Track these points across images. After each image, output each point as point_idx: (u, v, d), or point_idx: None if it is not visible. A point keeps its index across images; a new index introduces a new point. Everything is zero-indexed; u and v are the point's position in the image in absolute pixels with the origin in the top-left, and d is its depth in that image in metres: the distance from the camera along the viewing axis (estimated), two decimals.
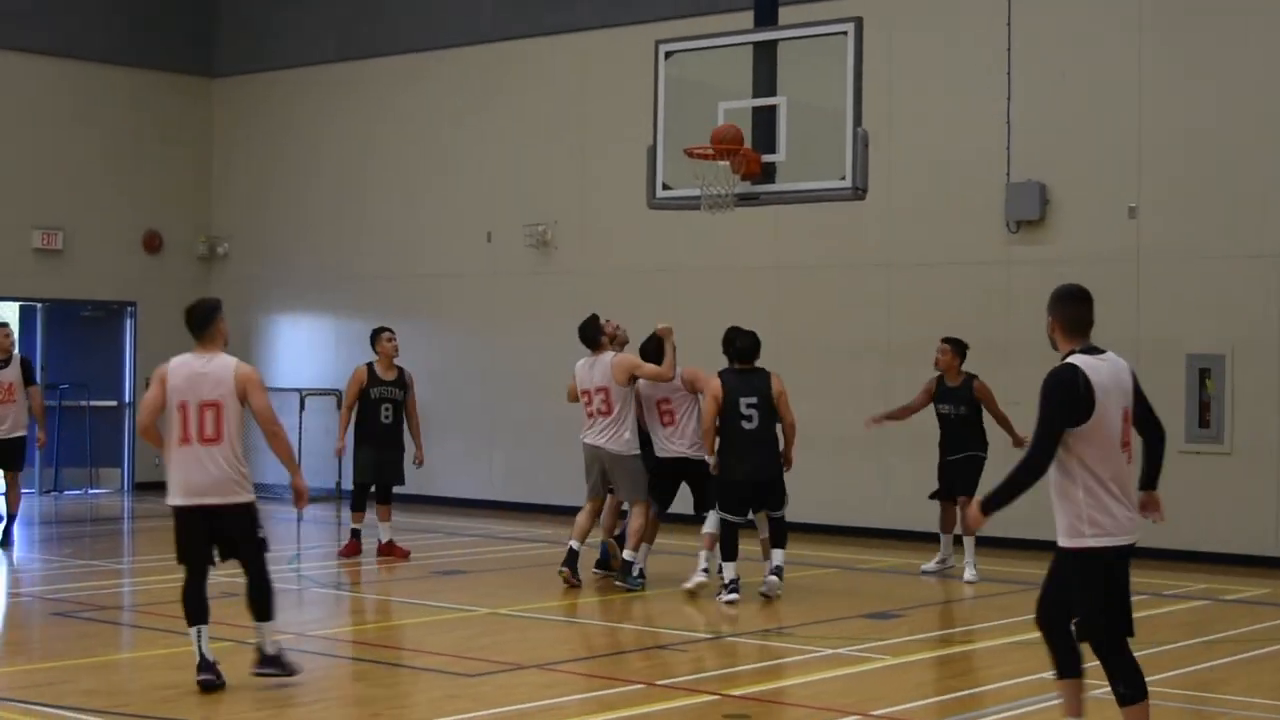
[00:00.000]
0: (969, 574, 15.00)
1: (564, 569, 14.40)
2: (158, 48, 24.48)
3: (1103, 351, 7.86)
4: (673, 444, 14.48)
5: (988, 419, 15.35)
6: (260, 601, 10.41)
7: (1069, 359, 7.80)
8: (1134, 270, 17.09)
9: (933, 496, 15.56)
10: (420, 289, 22.68)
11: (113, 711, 9.32)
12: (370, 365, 16.62)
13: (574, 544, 14.48)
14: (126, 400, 24.50)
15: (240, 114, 24.90)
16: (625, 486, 14.48)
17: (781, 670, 11.13)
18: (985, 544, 16.99)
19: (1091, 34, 17.55)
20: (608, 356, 14.51)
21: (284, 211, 24.26)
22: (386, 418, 16.45)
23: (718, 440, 13.76)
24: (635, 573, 14.32)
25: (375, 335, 16.76)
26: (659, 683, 10.48)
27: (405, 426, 16.64)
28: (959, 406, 15.29)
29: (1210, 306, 16.78)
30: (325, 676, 11.04)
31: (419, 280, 22.71)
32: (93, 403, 24.20)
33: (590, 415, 14.53)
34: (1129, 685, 7.79)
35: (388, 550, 16.40)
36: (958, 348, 15.39)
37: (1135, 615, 12.55)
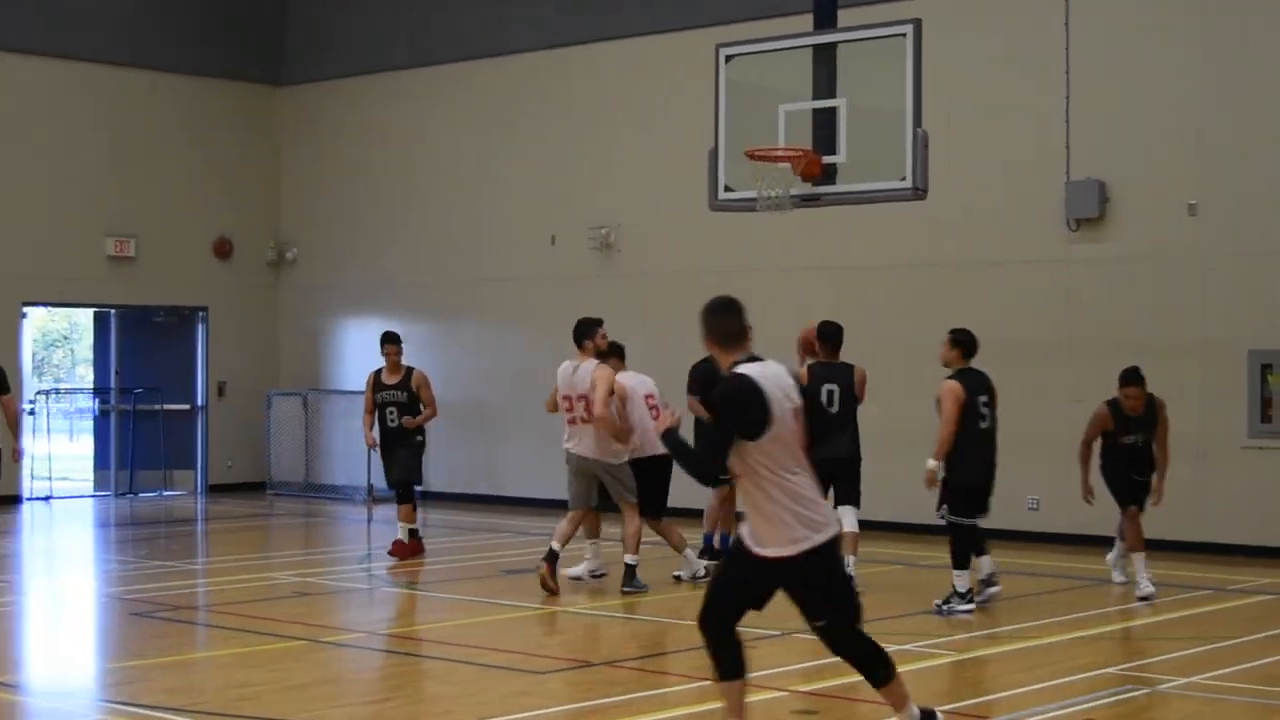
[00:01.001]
0: (1146, 588, 13.98)
1: (543, 565, 14.19)
2: (226, 57, 24.78)
3: (762, 359, 7.81)
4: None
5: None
6: None
7: (736, 369, 7.71)
8: (1195, 267, 17.08)
9: (1121, 504, 14.31)
10: (486, 292, 22.87)
11: (191, 709, 9.47)
12: (378, 371, 16.83)
13: (555, 545, 14.27)
14: (199, 404, 24.83)
15: (307, 121, 25.16)
16: (618, 490, 14.40)
17: (848, 666, 11.19)
18: (1036, 540, 17.08)
19: (1149, 31, 17.55)
20: (589, 365, 14.34)
21: (351, 217, 24.51)
22: (392, 421, 16.63)
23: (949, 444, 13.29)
24: (639, 577, 14.36)
25: (381, 342, 16.97)
26: None
27: (418, 429, 16.74)
28: (1147, 432, 14.16)
29: (1272, 302, 16.73)
30: (397, 674, 11.22)
31: (485, 283, 22.90)
32: (166, 406, 24.54)
33: (571, 422, 14.42)
34: (880, 664, 8.09)
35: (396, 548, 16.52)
36: (1142, 379, 14.05)
37: (1200, 610, 12.57)
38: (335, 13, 24.75)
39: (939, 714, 8.21)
